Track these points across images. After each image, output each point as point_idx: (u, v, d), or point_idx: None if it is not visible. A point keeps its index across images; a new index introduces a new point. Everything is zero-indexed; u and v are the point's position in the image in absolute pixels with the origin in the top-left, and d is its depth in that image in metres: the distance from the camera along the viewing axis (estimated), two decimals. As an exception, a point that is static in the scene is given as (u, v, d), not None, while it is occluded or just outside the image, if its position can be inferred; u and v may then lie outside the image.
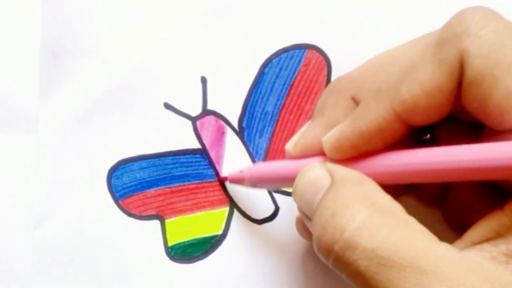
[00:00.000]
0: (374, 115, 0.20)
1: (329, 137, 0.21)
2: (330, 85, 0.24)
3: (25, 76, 0.28)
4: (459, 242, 0.18)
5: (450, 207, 0.23)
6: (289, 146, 0.23)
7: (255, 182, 0.24)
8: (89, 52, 0.28)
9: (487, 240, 0.18)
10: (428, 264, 0.16)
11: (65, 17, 0.28)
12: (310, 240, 0.26)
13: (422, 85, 0.19)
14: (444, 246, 0.17)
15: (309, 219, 0.20)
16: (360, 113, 0.20)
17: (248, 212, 0.28)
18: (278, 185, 0.24)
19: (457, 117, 0.21)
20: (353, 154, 0.20)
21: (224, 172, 0.28)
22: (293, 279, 0.27)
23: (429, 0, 0.28)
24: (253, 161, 0.28)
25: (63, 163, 0.28)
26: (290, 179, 0.22)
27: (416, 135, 0.22)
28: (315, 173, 0.20)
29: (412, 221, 0.18)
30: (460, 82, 0.18)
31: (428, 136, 0.23)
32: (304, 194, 0.20)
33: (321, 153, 0.22)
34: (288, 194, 0.28)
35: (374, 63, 0.22)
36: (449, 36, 0.18)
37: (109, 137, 0.28)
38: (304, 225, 0.25)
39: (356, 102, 0.22)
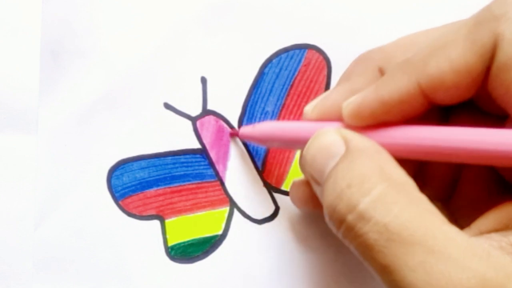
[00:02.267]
0: (398, 85, 0.20)
1: (350, 102, 0.21)
2: (360, 55, 0.23)
3: (25, 76, 0.28)
4: (467, 230, 0.18)
5: (455, 207, 0.22)
6: (308, 108, 0.23)
7: (266, 139, 0.24)
8: (89, 52, 0.28)
9: (496, 230, 0.18)
10: (436, 244, 0.16)
11: (65, 17, 0.28)
12: (302, 206, 0.26)
13: (452, 63, 0.18)
14: (453, 229, 0.17)
15: (317, 183, 0.20)
16: (384, 81, 0.20)
17: (248, 212, 0.28)
18: (289, 145, 0.23)
19: (478, 106, 0.20)
20: (371, 123, 0.20)
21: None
22: (293, 278, 0.27)
23: (428, 0, 0.28)
24: (253, 161, 0.28)
25: (63, 163, 0.28)
26: (302, 141, 0.21)
27: (435, 117, 0.22)
28: (330, 138, 0.20)
29: (424, 200, 0.18)
30: (490, 65, 0.18)
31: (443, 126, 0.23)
32: (315, 158, 0.20)
33: (338, 119, 0.21)
34: (288, 194, 0.28)
35: (407, 39, 0.22)
36: (487, 17, 0.18)
37: (109, 137, 0.28)
38: (299, 190, 0.25)
39: (383, 73, 0.22)
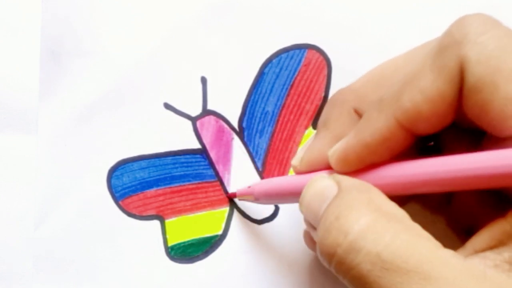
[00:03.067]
0: (377, 125, 0.20)
1: (335, 151, 0.21)
2: (332, 97, 0.24)
3: (25, 76, 0.28)
4: (462, 250, 0.18)
5: (454, 213, 0.22)
6: (295, 161, 0.23)
7: (264, 197, 0.25)
8: (89, 52, 0.28)
9: (490, 248, 0.18)
10: (432, 269, 0.16)
11: (65, 17, 0.28)
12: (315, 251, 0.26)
13: (424, 93, 0.18)
14: (448, 253, 0.17)
15: (315, 229, 0.20)
16: (363, 124, 0.20)
17: (248, 212, 0.28)
18: (287, 200, 0.24)
19: (460, 125, 0.21)
20: (359, 166, 0.20)
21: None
22: (293, 279, 0.27)
23: (428, 0, 0.28)
24: (253, 161, 0.28)
25: (63, 163, 0.28)
26: (299, 194, 0.22)
27: (421, 143, 0.22)
28: (323, 183, 0.20)
29: (416, 228, 0.18)
30: (461, 89, 0.18)
31: (432, 143, 0.23)
32: (310, 204, 0.20)
33: (327, 166, 0.22)
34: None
35: (375, 74, 0.22)
36: (449, 43, 0.18)
37: (109, 137, 0.28)
38: (311, 237, 0.25)
39: (359, 114, 0.22)
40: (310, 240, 0.25)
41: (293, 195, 0.23)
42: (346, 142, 0.21)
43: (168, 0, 0.28)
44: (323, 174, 0.21)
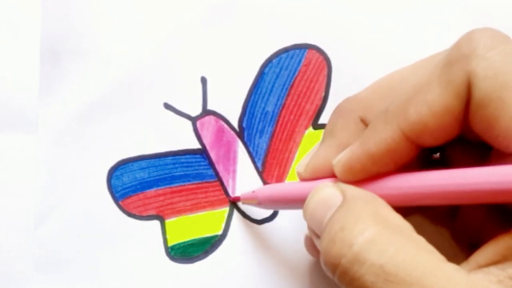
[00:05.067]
0: (382, 136, 0.20)
1: (339, 160, 0.21)
2: (338, 106, 0.24)
3: (25, 76, 0.28)
4: (465, 265, 0.18)
5: (459, 226, 0.22)
6: (300, 168, 0.23)
7: (267, 202, 0.25)
8: (89, 52, 0.28)
9: (494, 263, 0.17)
10: (435, 283, 0.16)
11: (65, 17, 0.28)
12: (317, 257, 0.26)
13: (430, 106, 0.18)
14: (452, 267, 0.17)
15: (318, 237, 0.20)
16: (369, 134, 0.20)
17: (248, 212, 0.28)
18: (290, 206, 0.24)
19: (466, 138, 0.20)
20: (364, 176, 0.20)
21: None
22: (293, 279, 0.27)
23: (428, 0, 0.28)
24: (253, 161, 0.28)
25: (63, 163, 0.28)
26: (302, 200, 0.22)
27: (427, 155, 0.22)
28: (327, 192, 0.20)
29: (421, 241, 0.18)
30: (467, 103, 0.18)
31: (438, 155, 0.23)
32: (315, 212, 0.20)
33: (332, 175, 0.22)
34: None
35: (382, 84, 0.22)
36: (457, 57, 0.18)
37: (109, 137, 0.28)
38: (312, 243, 0.25)
39: (365, 123, 0.22)
40: (311, 247, 0.25)
41: (297, 202, 0.23)
42: (351, 151, 0.21)
43: (168, 0, 0.28)
44: (328, 182, 0.21)
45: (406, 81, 0.20)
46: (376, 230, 0.18)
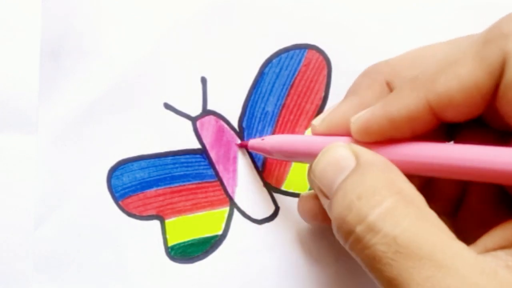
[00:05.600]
0: (407, 102, 0.20)
1: (358, 118, 0.21)
2: (367, 68, 0.23)
3: (25, 76, 0.28)
4: (473, 247, 0.18)
5: (462, 222, 0.22)
6: (316, 121, 0.23)
7: (275, 152, 0.24)
8: (89, 52, 0.28)
9: (502, 248, 0.18)
10: (444, 259, 0.16)
11: (65, 17, 0.28)
12: (310, 220, 0.26)
13: (460, 80, 0.18)
14: (461, 245, 0.17)
15: (326, 196, 0.20)
16: (393, 98, 0.20)
17: (248, 212, 0.28)
18: (298, 159, 0.24)
19: (486, 123, 0.20)
20: (379, 139, 0.20)
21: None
22: (293, 279, 0.27)
23: (429, 1, 0.28)
24: (253, 161, 0.28)
25: (63, 163, 0.28)
26: (311, 155, 0.22)
27: (443, 132, 0.22)
28: (340, 153, 0.20)
29: (433, 215, 0.18)
30: (498, 83, 0.18)
31: (452, 142, 0.23)
32: (325, 172, 0.20)
33: (347, 133, 0.22)
34: (288, 194, 0.28)
35: (415, 54, 0.22)
36: (496, 35, 0.18)
37: (109, 137, 0.28)
38: (306, 207, 0.25)
39: (390, 87, 0.22)
40: (304, 211, 0.25)
41: (306, 156, 0.22)
42: (372, 112, 0.20)
43: (168, 0, 0.28)
44: (340, 142, 0.21)
45: (438, 54, 0.20)
46: (391, 202, 0.18)
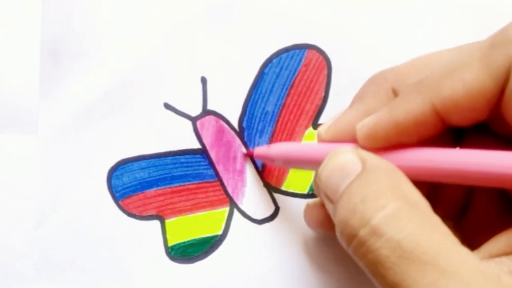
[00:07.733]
0: (412, 107, 0.20)
1: (364, 124, 0.21)
2: (373, 75, 0.23)
3: (25, 76, 0.28)
4: (477, 253, 0.18)
5: (467, 227, 0.22)
6: (322, 129, 0.23)
7: (281, 160, 0.24)
8: (89, 52, 0.28)
9: (505, 254, 0.18)
10: (448, 264, 0.16)
11: (65, 17, 0.28)
12: (316, 228, 0.26)
13: (465, 85, 0.18)
14: (465, 251, 0.17)
15: (331, 201, 0.20)
16: (398, 103, 0.20)
17: (248, 212, 0.28)
18: (304, 166, 0.24)
19: (491, 128, 0.20)
20: (385, 145, 0.20)
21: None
22: (293, 279, 0.27)
23: (428, 0, 0.28)
24: (253, 161, 0.28)
25: (63, 163, 0.28)
26: (317, 162, 0.21)
27: (448, 137, 0.22)
28: (346, 157, 0.20)
29: (437, 220, 0.18)
30: (504, 88, 0.18)
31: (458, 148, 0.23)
32: (331, 177, 0.20)
33: (353, 140, 0.22)
34: (288, 194, 0.28)
35: (421, 60, 0.22)
36: (502, 41, 0.18)
37: (109, 137, 0.28)
38: (312, 215, 0.25)
39: (396, 94, 0.22)
40: (311, 219, 0.25)
41: (312, 163, 0.22)
42: (378, 117, 0.20)
43: (169, 0, 0.28)
44: (347, 147, 0.21)
45: (444, 60, 0.20)
46: (396, 206, 0.18)
